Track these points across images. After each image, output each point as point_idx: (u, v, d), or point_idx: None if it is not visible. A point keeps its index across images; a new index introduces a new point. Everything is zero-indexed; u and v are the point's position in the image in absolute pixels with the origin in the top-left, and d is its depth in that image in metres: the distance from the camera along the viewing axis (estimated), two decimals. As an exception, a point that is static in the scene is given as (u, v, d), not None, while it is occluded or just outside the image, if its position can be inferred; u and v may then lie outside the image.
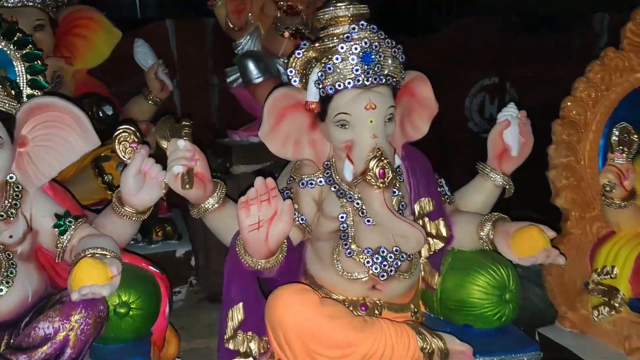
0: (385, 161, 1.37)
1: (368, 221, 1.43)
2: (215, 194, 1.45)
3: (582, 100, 1.78)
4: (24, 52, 1.45)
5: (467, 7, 3.98)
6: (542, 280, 1.83)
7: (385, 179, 1.37)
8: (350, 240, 1.44)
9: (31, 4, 2.31)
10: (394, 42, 1.45)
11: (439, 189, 1.59)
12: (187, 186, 1.37)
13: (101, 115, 2.34)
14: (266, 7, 2.53)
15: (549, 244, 1.41)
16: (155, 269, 1.53)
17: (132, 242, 2.30)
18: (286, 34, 2.48)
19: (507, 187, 1.61)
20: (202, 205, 1.45)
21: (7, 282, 1.32)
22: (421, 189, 1.53)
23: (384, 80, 1.40)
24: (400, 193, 1.48)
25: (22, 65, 1.45)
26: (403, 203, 1.49)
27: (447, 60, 3.85)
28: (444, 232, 1.53)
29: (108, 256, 1.29)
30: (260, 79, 2.40)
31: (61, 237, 1.38)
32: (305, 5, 2.49)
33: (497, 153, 1.60)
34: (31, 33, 2.29)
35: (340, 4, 1.42)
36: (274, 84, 2.40)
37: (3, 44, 1.44)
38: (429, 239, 1.52)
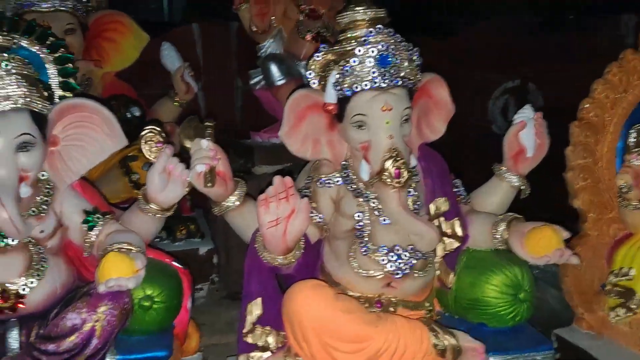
0: (401, 161, 1.40)
1: (384, 220, 1.47)
2: (237, 192, 1.51)
3: (600, 101, 1.78)
4: (56, 55, 1.52)
5: (489, 7, 3.98)
6: (559, 281, 1.83)
7: (401, 179, 1.40)
8: (366, 239, 1.48)
9: (63, 8, 2.39)
10: (410, 45, 1.49)
11: (454, 190, 1.61)
12: (209, 184, 1.43)
13: (129, 116, 2.41)
14: (289, 10, 2.59)
15: (563, 243, 1.43)
16: (178, 265, 1.58)
17: (156, 239, 2.37)
18: (308, 37, 2.53)
19: (523, 188, 1.63)
20: (224, 203, 1.50)
21: (38, 275, 1.38)
22: (437, 189, 1.56)
23: (400, 82, 1.43)
24: (415, 193, 1.51)
25: (54, 68, 1.52)
26: (418, 203, 1.52)
27: (469, 62, 3.86)
28: (459, 231, 1.56)
29: (133, 251, 1.35)
30: (283, 81, 2.46)
31: (89, 232, 1.45)
32: (327, 8, 2.54)
33: (513, 154, 1.62)
34: (62, 37, 2.38)
35: (359, 8, 1.46)
36: (296, 86, 2.44)
37: (37, 47, 1.51)
38: (445, 238, 1.55)
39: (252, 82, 2.69)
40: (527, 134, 1.61)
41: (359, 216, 1.49)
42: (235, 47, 3.71)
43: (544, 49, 3.91)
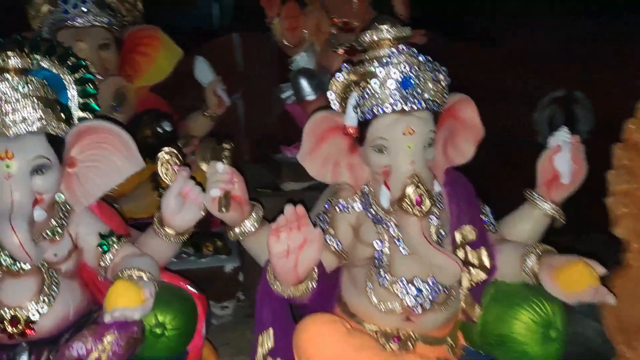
0: (423, 188, 1.33)
1: (403, 250, 1.40)
2: (252, 216, 1.47)
3: (646, 123, 1.66)
4: (77, 76, 1.52)
5: (536, 12, 3.82)
6: (598, 313, 1.71)
7: (423, 207, 1.33)
8: (384, 269, 1.41)
9: (97, 24, 2.42)
10: (436, 65, 1.42)
11: (482, 216, 1.53)
12: (223, 209, 1.39)
13: (160, 131, 2.42)
14: (322, 23, 2.54)
15: (598, 281, 1.33)
16: (193, 289, 1.55)
17: (183, 255, 2.38)
18: (340, 51, 2.48)
19: (557, 216, 1.53)
20: (239, 228, 1.46)
21: (49, 300, 1.38)
22: (463, 216, 1.48)
23: (423, 105, 1.36)
24: (439, 221, 1.43)
25: (75, 89, 1.52)
26: (442, 231, 1.45)
27: (513, 70, 3.72)
28: (486, 262, 1.47)
29: (144, 278, 1.33)
30: (313, 97, 2.41)
31: (104, 255, 1.43)
32: (360, 21, 2.48)
33: (547, 180, 1.53)
34: (97, 52, 2.41)
35: (382, 26, 1.40)
36: (327, 101, 2.40)
37: (57, 68, 1.51)
38: (471, 269, 1.47)
39: (283, 95, 2.66)
40: (562, 158, 1.51)
41: (377, 244, 1.42)
42: (276, 57, 3.70)
43: (596, 57, 3.73)
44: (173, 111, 2.65)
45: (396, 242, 1.41)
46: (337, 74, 1.45)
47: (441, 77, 1.42)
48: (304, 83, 2.41)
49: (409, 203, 1.33)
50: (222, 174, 1.42)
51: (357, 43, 2.46)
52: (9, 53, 1.38)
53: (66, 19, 2.38)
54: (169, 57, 2.60)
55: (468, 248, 1.47)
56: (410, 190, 1.33)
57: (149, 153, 2.41)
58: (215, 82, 2.62)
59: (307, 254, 1.29)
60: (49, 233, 1.41)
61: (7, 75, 1.36)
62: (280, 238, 1.28)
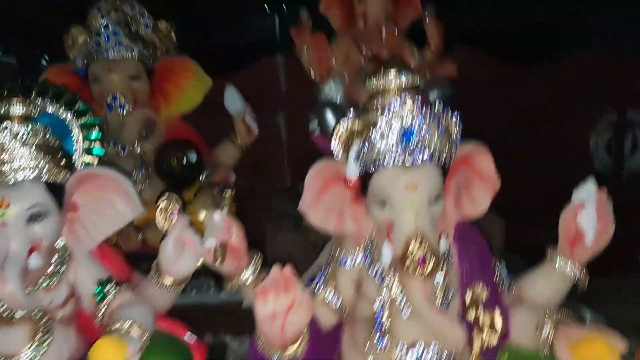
0: (426, 247, 1.24)
1: (405, 311, 1.31)
2: (251, 267, 1.42)
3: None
4: (82, 121, 1.52)
5: (589, 33, 3.62)
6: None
7: (426, 268, 1.24)
8: (384, 331, 1.33)
9: (129, 56, 2.45)
10: (446, 114, 1.33)
11: (495, 274, 1.41)
12: (218, 260, 1.35)
13: (185, 161, 2.42)
14: (350, 54, 2.48)
15: (618, 358, 1.19)
16: (190, 339, 1.51)
17: (203, 288, 2.36)
18: (369, 83, 2.40)
19: (579, 278, 1.40)
20: (236, 279, 1.42)
21: (43, 349, 1.37)
22: (475, 274, 1.38)
23: (427, 158, 1.28)
24: (445, 281, 1.34)
25: (80, 134, 1.52)
26: (449, 291, 1.35)
27: (570, 94, 3.54)
28: (499, 325, 1.35)
29: (133, 332, 1.30)
30: (338, 130, 2.34)
31: (99, 303, 1.42)
32: (391, 52, 2.40)
33: (569, 238, 1.40)
34: (128, 83, 2.45)
35: (387, 73, 1.33)
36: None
37: (62, 112, 1.51)
38: (483, 331, 1.36)
39: (312, 126, 2.60)
40: (586, 216, 1.38)
41: (378, 304, 1.34)
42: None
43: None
44: (204, 140, 2.67)
45: (397, 303, 1.32)
46: (342, 121, 1.39)
47: (451, 127, 1.33)
48: (330, 116, 2.34)
49: (411, 263, 1.25)
50: (219, 224, 1.38)
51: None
52: (13, 100, 1.39)
53: (99, 51, 2.43)
54: (199, 86, 2.62)
55: (480, 308, 1.36)
56: (412, 248, 1.25)
57: (175, 182, 2.44)
58: (244, 110, 2.61)
59: (295, 317, 1.22)
60: (46, 281, 1.40)
61: (9, 123, 1.37)
62: (267, 300, 1.22)
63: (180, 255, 1.45)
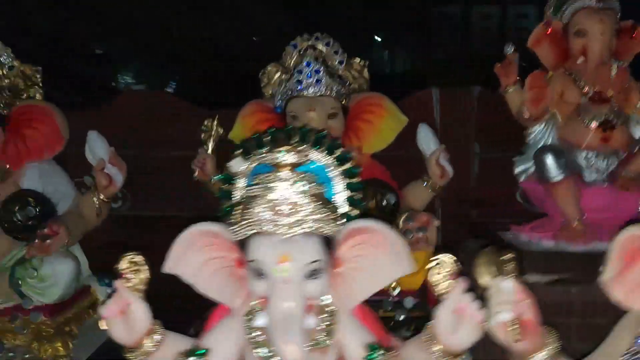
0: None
1: None
2: (547, 348, 1.25)
3: None
4: (344, 168, 1.43)
5: None
6: None
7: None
8: None
9: (327, 93, 2.40)
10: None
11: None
12: (513, 337, 1.20)
13: (384, 204, 2.30)
14: (567, 93, 2.28)
15: None
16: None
17: None
18: (593, 125, 2.19)
19: None
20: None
21: None
22: None
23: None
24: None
25: (341, 182, 1.42)
26: None
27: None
28: None
29: None
30: (560, 177, 2.14)
31: (369, 369, 1.30)
32: (617, 91, 2.18)
33: None
34: (326, 121, 2.38)
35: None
36: (574, 181, 2.13)
37: (324, 160, 1.42)
38: None
39: (517, 170, 2.41)
40: None
41: None
42: (475, 112, 3.49)
43: None
44: (391, 180, 2.55)
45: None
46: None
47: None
48: (551, 162, 2.15)
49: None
50: (510, 294, 1.23)
51: (613, 116, 2.20)
52: (284, 148, 1.32)
53: (299, 89, 2.39)
54: (392, 125, 2.52)
55: None
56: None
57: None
58: (439, 150, 2.47)
59: None
60: (318, 342, 1.31)
61: (283, 173, 1.30)
62: None
63: (458, 325, 1.30)
